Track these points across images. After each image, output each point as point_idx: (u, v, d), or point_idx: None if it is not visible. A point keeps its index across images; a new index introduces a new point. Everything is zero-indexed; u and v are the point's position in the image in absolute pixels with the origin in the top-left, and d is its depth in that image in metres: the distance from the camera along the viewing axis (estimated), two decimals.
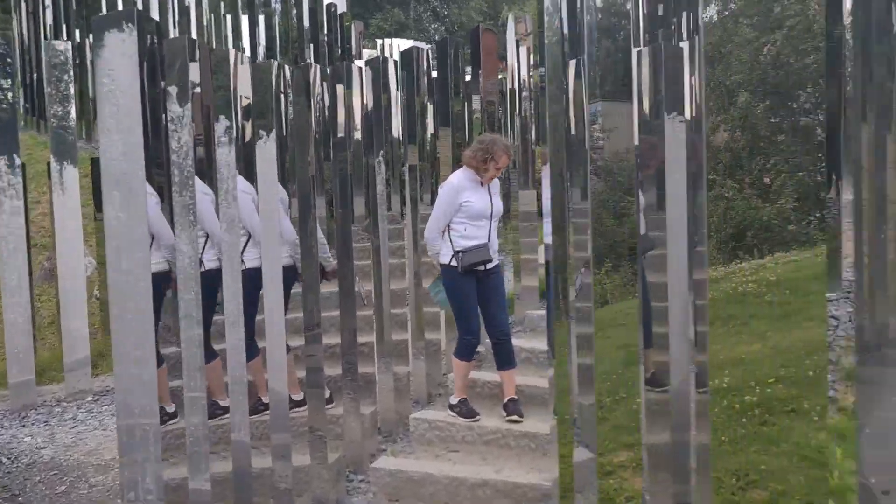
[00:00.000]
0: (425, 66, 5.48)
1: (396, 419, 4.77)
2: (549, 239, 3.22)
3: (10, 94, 5.91)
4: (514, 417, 4.32)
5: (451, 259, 4.40)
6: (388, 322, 4.78)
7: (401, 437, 4.70)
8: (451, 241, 4.40)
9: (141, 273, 3.11)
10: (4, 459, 4.72)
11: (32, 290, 6.17)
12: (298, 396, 4.50)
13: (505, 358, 4.42)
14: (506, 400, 4.40)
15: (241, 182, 3.93)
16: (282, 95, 3.98)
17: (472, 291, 4.44)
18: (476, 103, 5.82)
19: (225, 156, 3.54)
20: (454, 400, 4.47)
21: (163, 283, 4.15)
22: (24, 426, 5.27)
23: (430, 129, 5.54)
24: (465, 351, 4.45)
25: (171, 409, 4.46)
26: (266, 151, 3.72)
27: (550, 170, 3.20)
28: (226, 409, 4.16)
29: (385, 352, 4.76)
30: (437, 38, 29.02)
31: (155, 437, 3.15)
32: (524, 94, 6.00)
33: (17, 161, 5.71)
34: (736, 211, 10.86)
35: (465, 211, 4.37)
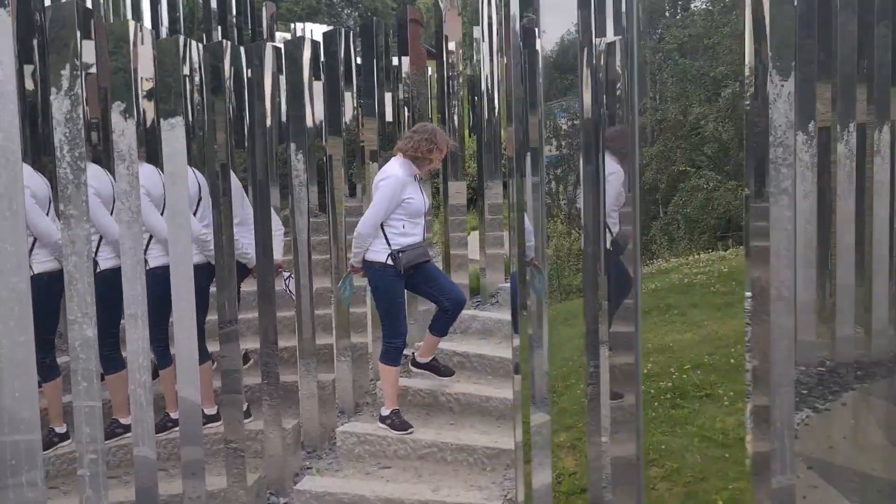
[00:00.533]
0: (344, 51, 5.10)
1: (321, 432, 4.37)
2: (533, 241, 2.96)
3: None
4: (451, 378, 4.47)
5: (387, 258, 4.07)
6: (311, 324, 4.39)
7: (327, 453, 4.29)
8: (386, 238, 4.08)
9: (19, 279, 2.62)
10: None
11: None
12: (212, 411, 4.09)
13: (446, 326, 4.32)
14: (430, 359, 4.45)
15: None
16: (187, 78, 3.55)
17: (403, 292, 4.18)
18: (403, 91, 5.49)
19: (125, 143, 3.07)
20: (385, 411, 4.15)
21: (54, 282, 3.66)
22: None
23: (352, 117, 5.16)
24: (393, 355, 4.15)
25: (61, 429, 3.97)
26: (174, 138, 3.27)
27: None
28: (127, 428, 3.71)
29: (308, 356, 4.37)
30: (350, 22, 28.42)
31: (38, 456, 2.62)
32: (453, 82, 5.69)
33: None
34: (719, 202, 10.99)
35: (405, 207, 4.08)
